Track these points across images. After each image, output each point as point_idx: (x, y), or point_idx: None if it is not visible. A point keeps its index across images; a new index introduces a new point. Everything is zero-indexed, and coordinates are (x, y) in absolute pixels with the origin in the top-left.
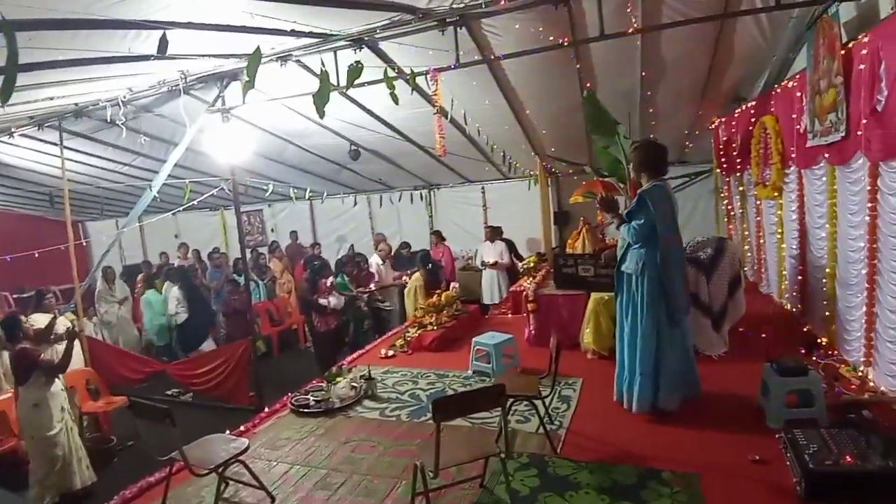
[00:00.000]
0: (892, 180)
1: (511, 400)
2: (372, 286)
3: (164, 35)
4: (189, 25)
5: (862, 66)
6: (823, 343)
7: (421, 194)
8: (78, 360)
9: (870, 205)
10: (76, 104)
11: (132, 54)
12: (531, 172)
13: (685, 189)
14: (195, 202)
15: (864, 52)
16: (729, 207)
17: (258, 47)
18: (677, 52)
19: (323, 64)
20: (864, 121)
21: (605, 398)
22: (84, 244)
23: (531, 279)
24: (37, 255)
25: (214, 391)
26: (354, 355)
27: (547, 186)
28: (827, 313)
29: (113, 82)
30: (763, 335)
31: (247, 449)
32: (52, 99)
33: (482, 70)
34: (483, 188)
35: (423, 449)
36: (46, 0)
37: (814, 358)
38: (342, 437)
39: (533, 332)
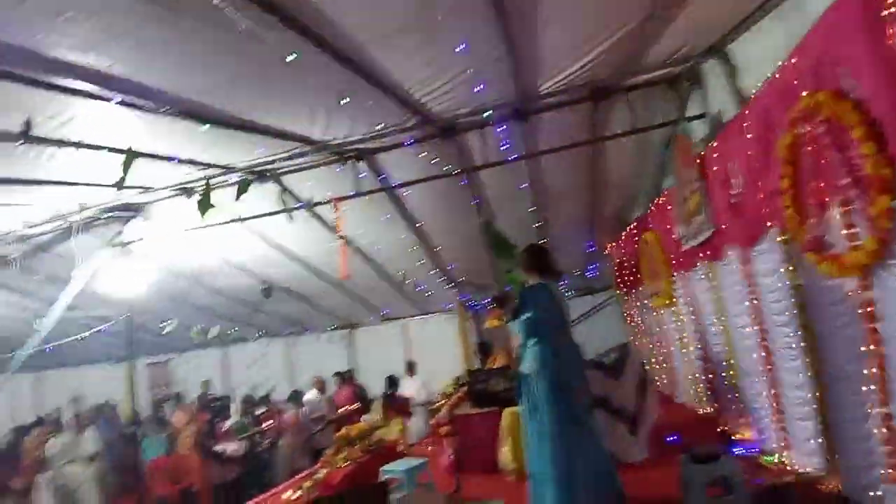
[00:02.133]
0: (762, 263)
1: None
2: (266, 424)
3: (28, 120)
4: (79, 145)
5: (715, 168)
6: (741, 437)
7: (341, 335)
8: None
9: (749, 289)
10: None
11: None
12: (449, 307)
13: (594, 315)
14: (82, 336)
15: (716, 155)
16: (632, 323)
17: (130, 148)
18: (560, 182)
19: (206, 172)
20: (725, 215)
21: None
22: None
23: (445, 403)
24: None
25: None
26: (254, 501)
27: (465, 318)
28: (739, 405)
29: (4, 213)
30: (680, 437)
31: None
32: None
33: (384, 201)
34: (404, 325)
35: None
36: None
37: (733, 452)
38: None
39: (451, 456)
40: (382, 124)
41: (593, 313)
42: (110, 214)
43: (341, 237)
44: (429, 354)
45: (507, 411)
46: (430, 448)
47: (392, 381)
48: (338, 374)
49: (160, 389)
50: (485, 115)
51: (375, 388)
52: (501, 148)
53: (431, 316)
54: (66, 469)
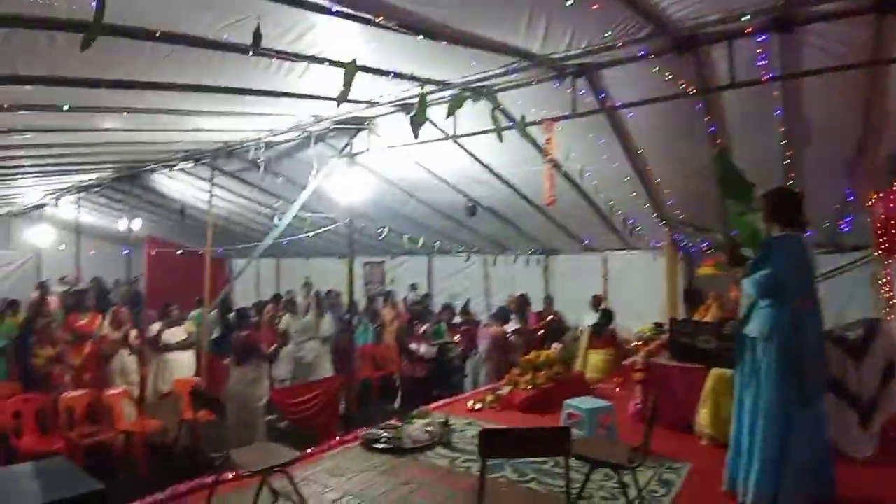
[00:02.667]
0: None
1: (590, 467)
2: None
3: (257, 28)
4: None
5: None
6: None
7: (538, 259)
8: (188, 369)
9: None
10: (225, 142)
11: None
12: (658, 245)
13: (837, 278)
14: (310, 234)
15: None
16: (889, 294)
17: (353, 60)
18: (823, 112)
19: (423, 87)
20: None
21: (714, 488)
22: (228, 277)
23: (643, 349)
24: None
25: (306, 422)
26: (440, 402)
27: (675, 261)
28: None
29: (257, 121)
30: None
31: (294, 461)
32: (198, 131)
33: (602, 123)
34: (604, 257)
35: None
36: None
37: None
38: (404, 477)
39: (639, 405)
40: (609, 33)
41: (836, 275)
42: (340, 126)
43: (550, 160)
44: (626, 293)
45: (714, 372)
46: (617, 390)
47: (606, 315)
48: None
49: (374, 286)
50: (740, 20)
51: (569, 317)
52: (753, 66)
53: (636, 252)
54: (305, 345)
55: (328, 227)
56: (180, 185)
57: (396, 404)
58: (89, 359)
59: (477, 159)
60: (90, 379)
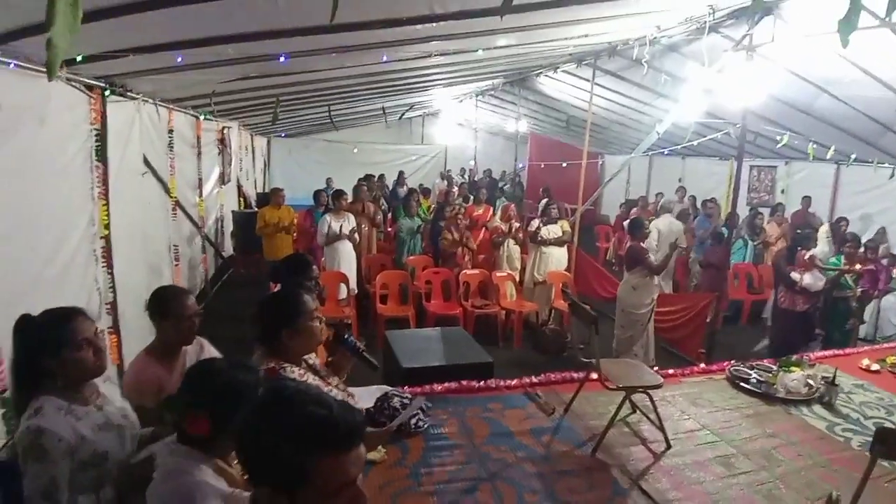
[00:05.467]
0: None
1: None
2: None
3: None
4: None
5: None
6: None
7: None
8: (561, 263)
9: None
10: (609, 42)
11: None
12: None
13: None
14: (695, 143)
15: None
16: None
17: None
18: None
19: None
20: None
21: None
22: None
23: None
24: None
25: (667, 334)
26: (827, 353)
27: None
28: None
29: (642, 20)
30: None
31: (659, 385)
32: (586, 36)
33: None
34: None
35: (848, 482)
36: None
37: None
38: (771, 428)
39: None
40: None
41: None
42: (739, 16)
43: None
44: None
45: None
46: None
47: None
48: None
49: (759, 195)
50: None
51: None
52: None
53: None
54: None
55: (712, 136)
56: (562, 87)
57: (765, 341)
58: (483, 244)
59: None
60: (483, 261)
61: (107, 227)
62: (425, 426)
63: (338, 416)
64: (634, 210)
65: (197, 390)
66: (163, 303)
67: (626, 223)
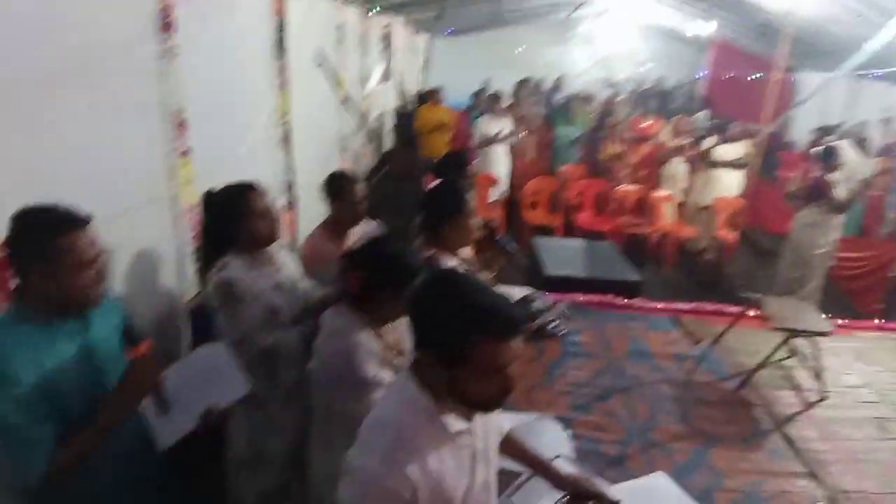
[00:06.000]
0: None
1: None
2: None
3: None
4: None
5: None
6: None
7: None
8: (733, 189)
9: None
10: None
11: None
12: None
13: None
14: None
15: None
16: None
17: None
18: None
19: None
20: None
21: None
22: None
23: None
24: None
25: (846, 281)
26: None
27: None
28: None
29: None
30: None
31: (827, 333)
32: None
33: None
34: None
35: None
36: None
37: None
38: None
39: None
40: None
41: None
42: None
43: None
44: None
45: None
46: None
47: None
48: None
49: None
50: None
51: None
52: None
53: None
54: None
55: None
56: None
57: None
58: (645, 160)
59: None
60: (643, 177)
61: (286, 114)
62: (564, 332)
63: (505, 306)
64: (830, 138)
65: (364, 253)
66: (337, 185)
67: (815, 150)
